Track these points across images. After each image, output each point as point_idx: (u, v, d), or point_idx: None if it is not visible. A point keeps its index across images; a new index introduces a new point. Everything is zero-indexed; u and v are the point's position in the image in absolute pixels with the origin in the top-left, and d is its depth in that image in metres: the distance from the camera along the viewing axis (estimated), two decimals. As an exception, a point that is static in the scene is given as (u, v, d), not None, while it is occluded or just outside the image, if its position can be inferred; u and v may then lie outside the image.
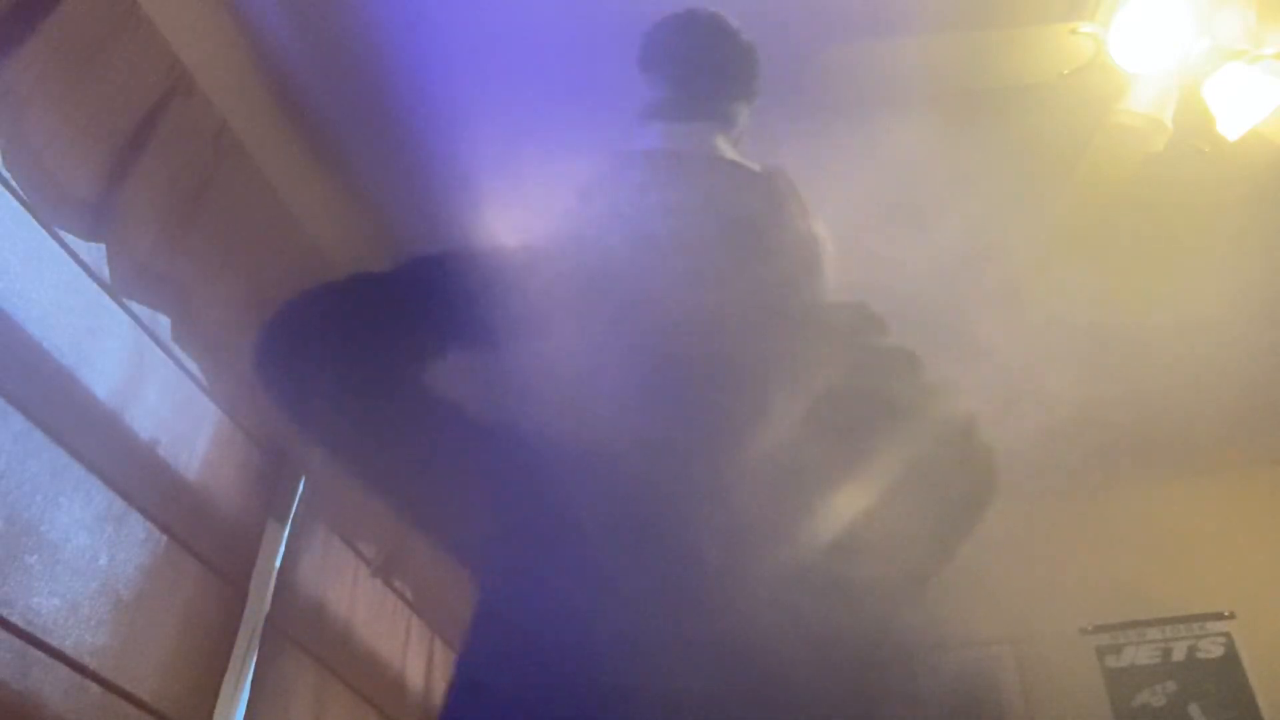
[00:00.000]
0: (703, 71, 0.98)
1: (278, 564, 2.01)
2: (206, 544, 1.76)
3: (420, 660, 2.40)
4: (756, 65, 1.02)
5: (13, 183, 1.41)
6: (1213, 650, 2.84)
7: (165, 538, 1.65)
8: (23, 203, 1.45)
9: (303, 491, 2.11)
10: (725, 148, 0.95)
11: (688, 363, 0.83)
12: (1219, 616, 2.87)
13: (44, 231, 1.50)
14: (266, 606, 1.93)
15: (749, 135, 1.01)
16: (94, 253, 1.56)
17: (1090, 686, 2.87)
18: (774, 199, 0.93)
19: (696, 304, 0.83)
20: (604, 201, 0.90)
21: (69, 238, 1.53)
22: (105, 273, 1.57)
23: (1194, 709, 2.78)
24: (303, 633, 2.00)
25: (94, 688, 1.44)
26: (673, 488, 0.79)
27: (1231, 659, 2.81)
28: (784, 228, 0.91)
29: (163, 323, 1.70)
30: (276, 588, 1.97)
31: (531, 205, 0.95)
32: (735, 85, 1.00)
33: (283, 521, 2.05)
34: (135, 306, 1.66)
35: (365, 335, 0.88)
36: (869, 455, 0.78)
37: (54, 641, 1.37)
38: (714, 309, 0.83)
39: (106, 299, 1.62)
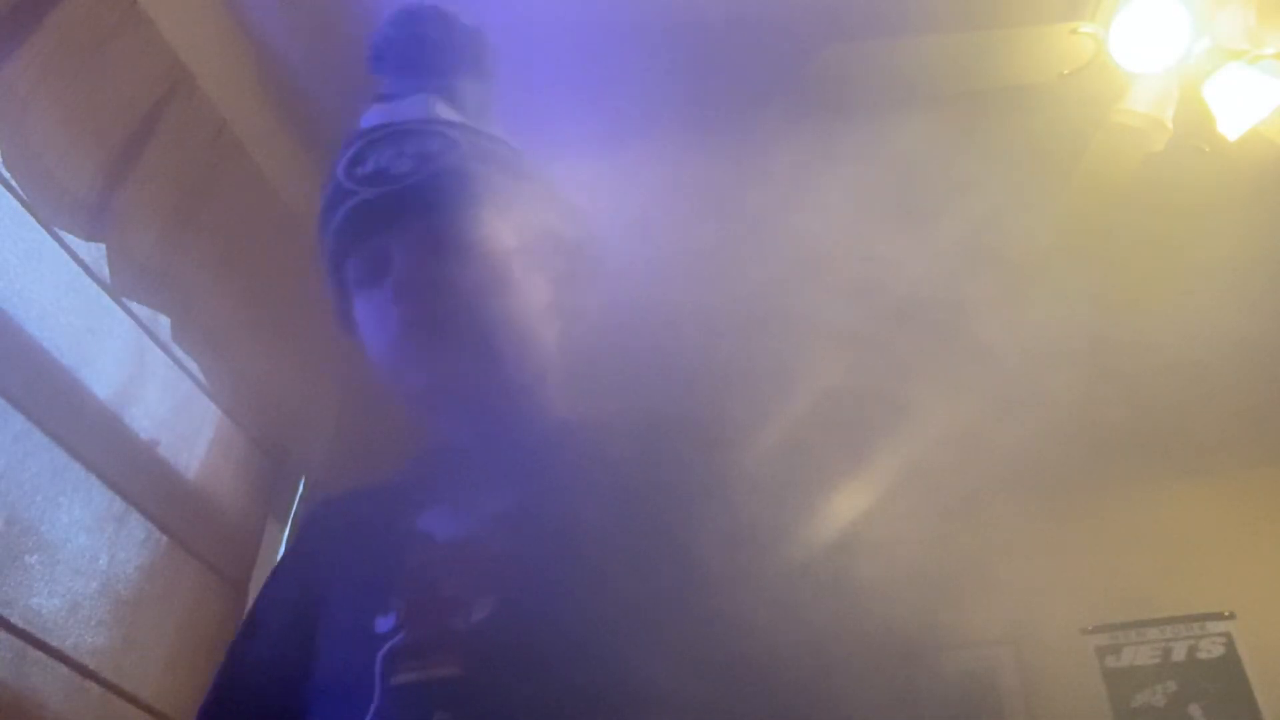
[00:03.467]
0: (419, 56, 0.99)
1: (278, 564, 2.01)
2: (206, 544, 1.76)
3: (420, 660, 2.39)
4: (483, 46, 1.02)
5: (13, 183, 1.41)
6: (1213, 650, 2.84)
7: (165, 538, 1.65)
8: (23, 203, 1.45)
9: (303, 491, 2.11)
10: (445, 111, 0.94)
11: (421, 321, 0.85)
12: (1219, 616, 2.87)
13: (44, 231, 1.49)
14: (266, 606, 1.93)
15: (493, 112, 1.01)
16: (94, 253, 1.56)
17: (1090, 686, 2.87)
18: (492, 153, 0.93)
19: (417, 258, 0.85)
20: (330, 186, 0.92)
21: (69, 238, 1.53)
22: (105, 273, 1.57)
23: (1194, 709, 2.78)
24: (303, 633, 1.99)
25: (94, 688, 1.44)
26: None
27: (1231, 659, 2.81)
28: (504, 172, 0.92)
29: (163, 323, 1.70)
30: (276, 588, 1.97)
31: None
32: (457, 64, 0.99)
33: (283, 521, 2.04)
34: (135, 306, 1.66)
35: None
36: None
37: (54, 641, 1.37)
38: (430, 254, 0.85)
39: (106, 299, 1.62)
